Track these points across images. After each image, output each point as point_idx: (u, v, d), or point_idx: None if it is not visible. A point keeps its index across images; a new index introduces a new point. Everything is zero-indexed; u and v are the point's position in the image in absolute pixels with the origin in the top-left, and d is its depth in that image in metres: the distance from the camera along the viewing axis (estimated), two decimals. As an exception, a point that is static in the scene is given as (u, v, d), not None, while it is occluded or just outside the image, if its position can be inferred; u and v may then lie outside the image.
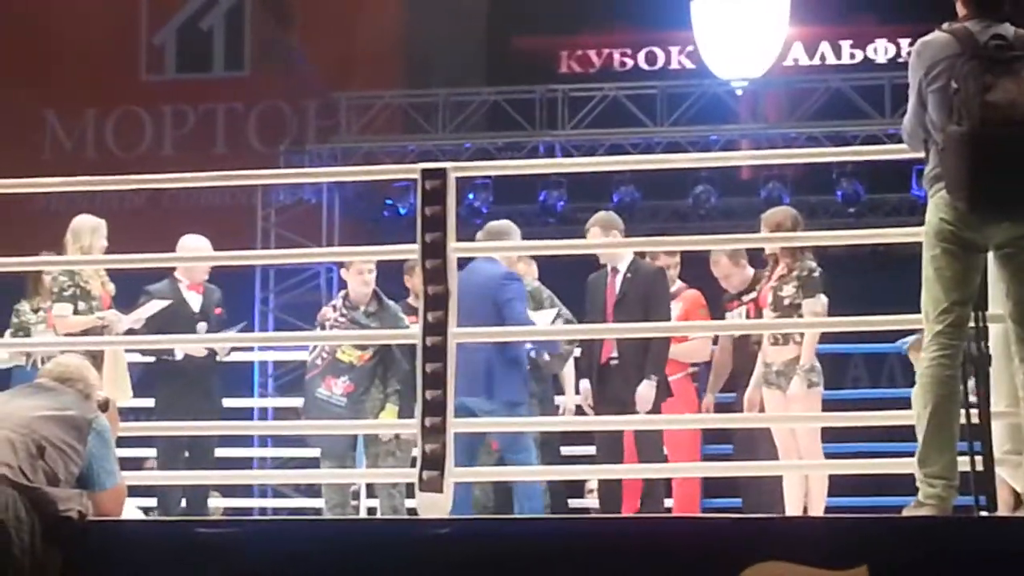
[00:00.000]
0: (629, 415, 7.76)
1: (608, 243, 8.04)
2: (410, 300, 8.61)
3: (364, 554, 4.86)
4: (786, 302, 7.54)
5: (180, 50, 16.68)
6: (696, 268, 8.55)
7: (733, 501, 8.56)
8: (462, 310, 7.23)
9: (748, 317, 8.15)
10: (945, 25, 5.03)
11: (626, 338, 8.00)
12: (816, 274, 7.57)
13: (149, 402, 8.85)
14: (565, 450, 8.75)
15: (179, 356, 8.61)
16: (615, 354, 7.97)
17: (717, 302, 8.53)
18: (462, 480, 7.69)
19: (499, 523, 6.06)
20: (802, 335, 7.49)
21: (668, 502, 8.47)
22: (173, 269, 8.77)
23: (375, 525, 6.17)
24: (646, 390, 7.85)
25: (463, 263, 6.36)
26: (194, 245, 8.55)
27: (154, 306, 8.46)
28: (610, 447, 7.89)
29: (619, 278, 8.10)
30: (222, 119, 16.44)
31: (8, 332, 8.86)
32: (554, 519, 6.49)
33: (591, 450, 8.28)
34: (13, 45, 15.84)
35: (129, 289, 8.41)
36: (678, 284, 8.50)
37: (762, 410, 7.69)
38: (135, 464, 7.25)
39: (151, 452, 8.87)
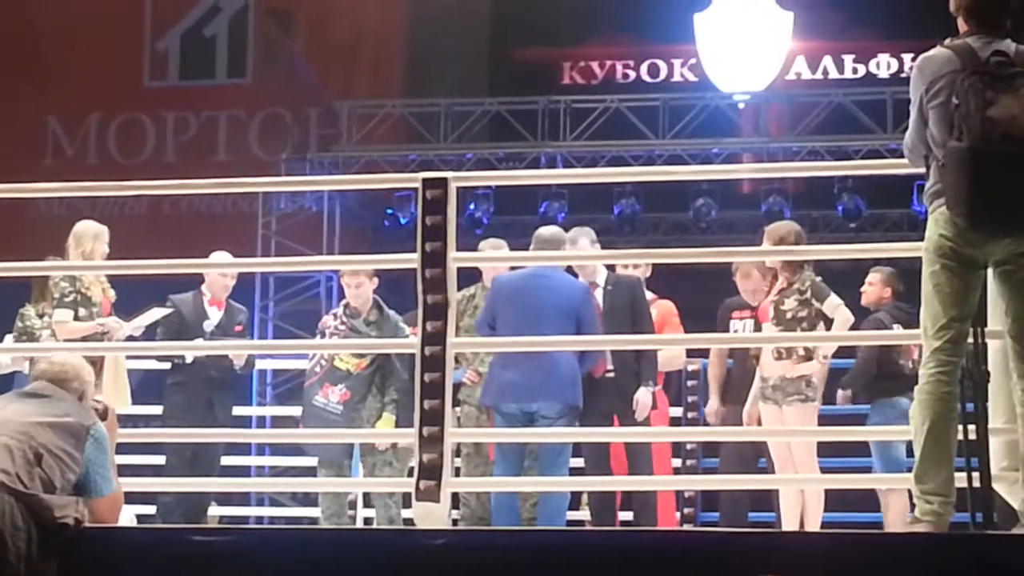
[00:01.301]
0: (627, 427, 7.78)
1: (608, 255, 8.05)
2: None
3: (360, 564, 4.86)
4: (788, 315, 7.53)
5: (183, 57, 16.70)
6: (669, 279, 8.52)
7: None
8: (533, 317, 7.25)
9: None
10: (947, 41, 5.03)
11: (620, 350, 8.00)
12: (819, 279, 7.59)
13: (149, 409, 8.84)
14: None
15: (188, 360, 8.63)
16: (611, 366, 7.99)
17: (700, 313, 8.48)
18: (459, 490, 7.73)
19: (495, 534, 6.04)
20: (805, 349, 7.49)
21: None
22: (192, 280, 8.82)
23: (371, 535, 6.15)
24: (645, 396, 7.89)
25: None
26: (216, 261, 8.56)
27: (154, 314, 8.48)
28: (598, 459, 7.92)
29: (600, 292, 8.14)
30: (224, 126, 16.45)
31: (11, 336, 8.84)
32: (550, 531, 6.47)
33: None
34: (16, 50, 15.85)
35: (129, 296, 8.41)
36: (649, 295, 8.51)
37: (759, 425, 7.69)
38: (135, 471, 7.24)
39: (156, 459, 8.85)
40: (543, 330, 7.21)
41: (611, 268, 8.24)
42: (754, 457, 8.18)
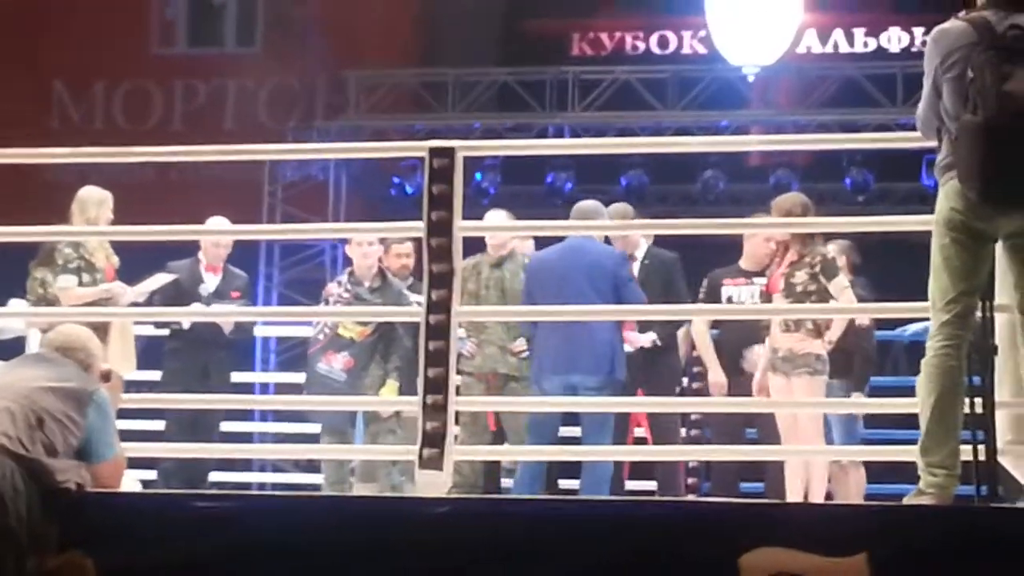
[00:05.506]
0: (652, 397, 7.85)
1: (614, 225, 8.04)
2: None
3: (362, 531, 4.84)
4: (799, 288, 7.53)
5: (192, 24, 16.63)
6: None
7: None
8: (568, 290, 7.27)
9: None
10: (962, 13, 4.99)
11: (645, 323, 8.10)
12: (831, 256, 7.59)
13: (152, 374, 8.85)
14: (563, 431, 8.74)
15: (185, 326, 8.65)
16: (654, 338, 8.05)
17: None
18: (465, 459, 7.73)
19: (497, 503, 6.04)
20: (813, 322, 7.50)
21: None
22: (196, 247, 8.84)
23: (373, 502, 6.14)
24: (644, 338, 7.96)
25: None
26: (215, 227, 8.56)
27: (158, 280, 8.49)
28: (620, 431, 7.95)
29: (636, 265, 8.16)
30: (232, 95, 16.39)
31: (30, 300, 8.78)
32: (555, 500, 6.46)
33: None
34: (23, 15, 15.79)
35: (134, 262, 8.40)
36: None
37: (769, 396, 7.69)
38: (139, 436, 7.25)
39: (156, 425, 8.86)
40: (579, 302, 7.20)
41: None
42: (743, 427, 8.19)
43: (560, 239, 7.81)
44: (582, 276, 7.41)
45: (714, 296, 8.30)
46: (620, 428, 7.93)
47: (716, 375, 8.22)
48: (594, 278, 7.43)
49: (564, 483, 7.82)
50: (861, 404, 8.07)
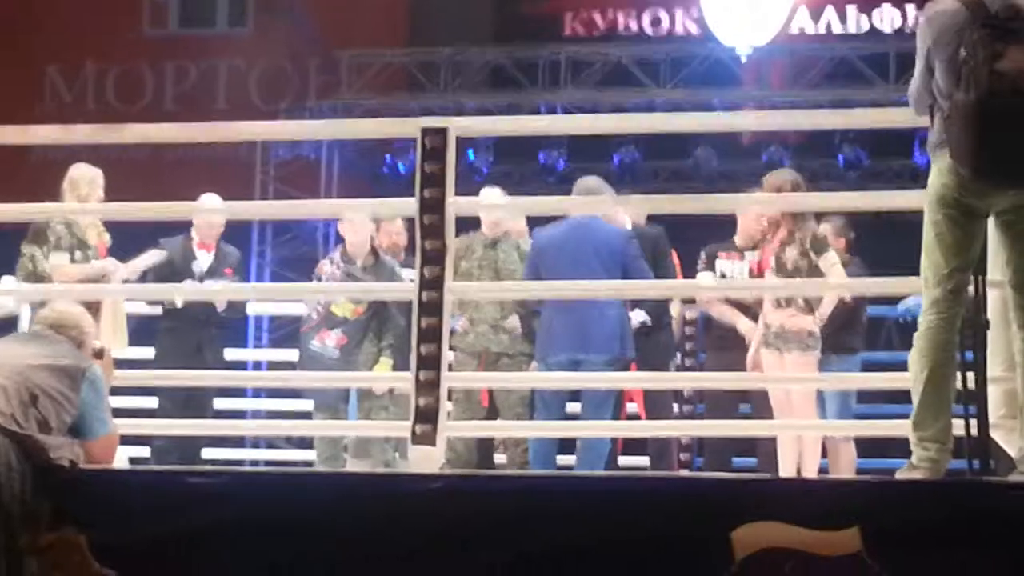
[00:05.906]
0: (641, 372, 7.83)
1: (615, 200, 8.05)
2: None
3: (355, 506, 4.85)
4: (789, 266, 7.53)
5: (183, 5, 16.61)
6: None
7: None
8: (577, 267, 7.24)
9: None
10: (955, -9, 4.98)
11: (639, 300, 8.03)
12: (820, 232, 7.60)
13: (145, 352, 8.85)
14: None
15: (178, 304, 8.63)
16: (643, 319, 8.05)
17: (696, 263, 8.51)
18: (459, 435, 7.73)
19: (489, 479, 6.05)
20: (805, 299, 7.50)
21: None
22: (188, 226, 8.82)
23: (366, 478, 6.15)
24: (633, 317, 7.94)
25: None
26: (208, 205, 8.54)
27: (151, 257, 8.47)
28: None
29: None
30: (224, 75, 16.37)
31: (16, 278, 8.77)
32: (545, 475, 6.47)
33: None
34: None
35: (126, 240, 8.39)
36: None
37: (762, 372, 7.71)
38: (132, 413, 7.25)
39: (150, 402, 8.86)
40: (587, 279, 7.20)
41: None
42: (736, 403, 8.20)
43: (552, 217, 7.79)
44: (592, 254, 7.41)
45: (712, 267, 8.32)
46: (614, 404, 7.95)
47: (744, 323, 8.17)
48: (603, 256, 7.43)
49: (561, 459, 7.82)
50: (853, 379, 8.08)
